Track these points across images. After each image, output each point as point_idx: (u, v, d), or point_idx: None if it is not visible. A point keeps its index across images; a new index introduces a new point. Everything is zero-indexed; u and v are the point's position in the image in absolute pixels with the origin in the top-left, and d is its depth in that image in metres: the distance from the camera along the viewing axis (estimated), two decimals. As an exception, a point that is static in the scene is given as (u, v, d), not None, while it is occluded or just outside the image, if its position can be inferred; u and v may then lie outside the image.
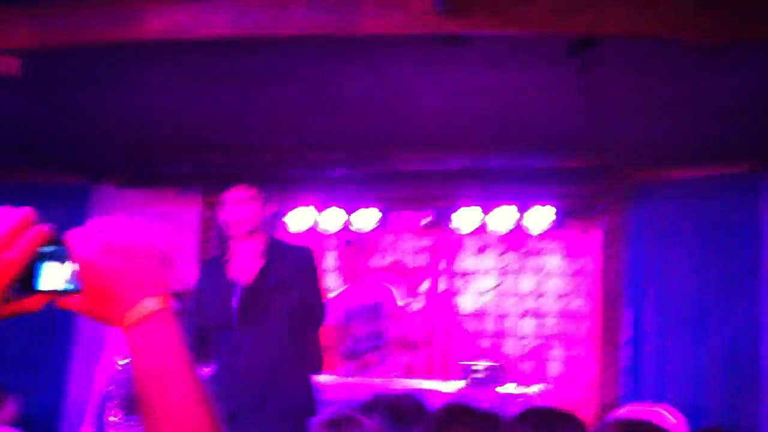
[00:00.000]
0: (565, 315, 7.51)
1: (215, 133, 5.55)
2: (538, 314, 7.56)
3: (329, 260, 7.42)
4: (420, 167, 5.96)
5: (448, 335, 7.62)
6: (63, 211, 6.78)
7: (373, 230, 7.08)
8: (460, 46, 3.35)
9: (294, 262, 3.54)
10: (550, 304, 7.56)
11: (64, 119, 5.20)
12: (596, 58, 3.50)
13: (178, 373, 1.07)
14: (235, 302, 3.45)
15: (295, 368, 3.48)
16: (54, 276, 1.01)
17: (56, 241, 1.01)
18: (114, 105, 4.92)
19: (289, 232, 6.89)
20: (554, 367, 7.44)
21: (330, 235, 7.24)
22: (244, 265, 3.47)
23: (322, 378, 5.90)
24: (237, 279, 3.46)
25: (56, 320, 6.64)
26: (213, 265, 3.74)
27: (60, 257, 1.00)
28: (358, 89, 4.41)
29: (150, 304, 1.05)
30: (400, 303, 6.48)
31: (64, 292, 1.01)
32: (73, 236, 1.03)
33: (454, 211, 6.83)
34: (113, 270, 1.05)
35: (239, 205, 3.51)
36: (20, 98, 4.63)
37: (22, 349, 6.71)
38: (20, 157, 6.16)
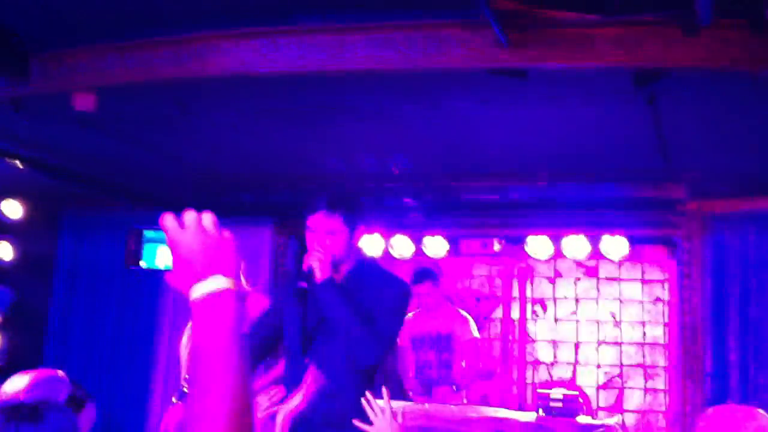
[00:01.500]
0: (644, 344, 7.29)
1: (283, 165, 5.62)
2: (615, 342, 7.37)
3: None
4: (488, 197, 5.90)
5: (522, 364, 7.50)
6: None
7: (444, 257, 7.05)
8: (524, 79, 3.29)
9: (375, 292, 3.18)
10: (628, 333, 7.36)
11: (137, 154, 5.35)
12: (663, 89, 3.40)
13: (225, 352, 1.21)
14: (305, 325, 3.21)
15: (351, 402, 3.15)
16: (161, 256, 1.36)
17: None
18: (180, 139, 5.04)
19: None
20: (633, 398, 7.23)
21: (401, 261, 7.23)
22: (320, 267, 3.14)
23: (397, 404, 5.88)
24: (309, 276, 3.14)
25: (140, 327, 6.84)
26: (292, 284, 3.29)
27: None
28: (418, 123, 4.39)
29: (217, 282, 1.28)
30: (474, 334, 6.40)
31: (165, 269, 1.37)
32: (166, 218, 1.35)
33: (526, 237, 6.74)
34: (192, 246, 1.31)
35: (320, 234, 3.17)
36: (91, 133, 4.79)
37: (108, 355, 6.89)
38: (98, 189, 6.37)
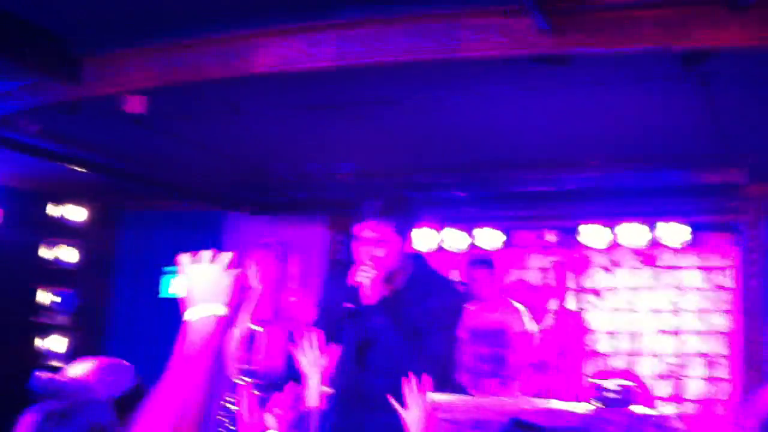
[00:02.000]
0: (704, 332, 7.13)
1: (331, 159, 5.65)
2: (675, 332, 7.22)
3: (454, 278, 7.40)
4: (540, 187, 5.84)
5: (578, 354, 7.40)
6: (199, 236, 7.17)
7: (498, 249, 7.00)
8: (566, 65, 3.25)
9: (429, 310, 2.96)
10: (688, 321, 7.20)
11: (187, 151, 5.45)
12: (713, 71, 3.31)
13: (199, 369, 1.62)
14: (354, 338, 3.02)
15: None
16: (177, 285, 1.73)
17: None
18: (234, 136, 5.11)
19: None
20: (693, 388, 7.07)
21: (456, 254, 7.21)
22: (369, 286, 2.92)
23: (446, 396, 5.87)
24: (356, 296, 2.95)
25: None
26: (342, 286, 3.08)
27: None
28: (464, 110, 4.36)
29: (208, 308, 1.69)
30: (528, 326, 6.35)
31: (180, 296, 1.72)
32: (182, 257, 1.78)
33: (581, 226, 6.65)
34: (197, 280, 1.73)
35: (370, 245, 2.94)
36: (147, 133, 4.88)
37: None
38: (157, 189, 6.51)
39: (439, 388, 2.93)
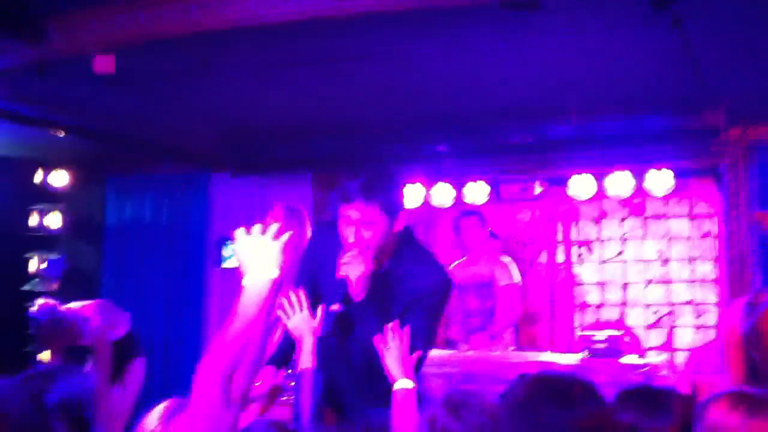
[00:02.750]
0: (694, 281, 7.15)
1: (315, 117, 5.61)
2: (664, 281, 7.24)
3: (442, 235, 7.40)
4: (524, 137, 5.79)
5: (568, 306, 7.43)
6: (185, 197, 7.17)
7: (485, 203, 6.98)
8: (537, 9, 3.20)
9: (414, 290, 2.91)
10: (676, 270, 7.21)
11: (167, 112, 5.41)
12: (686, 12, 3.26)
13: (254, 327, 1.90)
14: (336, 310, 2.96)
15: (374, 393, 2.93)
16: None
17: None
18: (212, 95, 5.06)
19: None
20: (684, 336, 7.11)
21: (443, 209, 7.19)
22: (357, 280, 2.85)
23: (438, 352, 5.90)
24: (345, 288, 2.88)
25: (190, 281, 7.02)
26: (329, 244, 3.01)
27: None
28: (442, 62, 4.32)
29: (262, 273, 1.95)
30: (516, 279, 6.35)
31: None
32: (237, 230, 2.05)
33: (568, 178, 6.61)
34: (250, 249, 2.00)
35: (357, 226, 2.84)
36: (124, 94, 4.84)
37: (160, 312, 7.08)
38: (141, 151, 6.48)
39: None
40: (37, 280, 6.96)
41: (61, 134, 5.79)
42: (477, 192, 6.89)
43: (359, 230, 2.82)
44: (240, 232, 2.04)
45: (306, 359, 2.88)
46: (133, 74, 4.43)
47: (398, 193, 2.98)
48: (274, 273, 1.97)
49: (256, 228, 2.04)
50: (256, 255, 1.97)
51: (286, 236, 2.04)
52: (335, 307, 2.88)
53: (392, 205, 2.88)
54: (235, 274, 2.03)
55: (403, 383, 2.71)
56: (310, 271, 3.19)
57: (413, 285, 2.90)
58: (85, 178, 7.26)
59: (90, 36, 3.56)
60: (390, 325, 2.79)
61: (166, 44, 3.83)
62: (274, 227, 2.04)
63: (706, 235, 7.06)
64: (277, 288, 1.98)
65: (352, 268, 2.81)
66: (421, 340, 2.88)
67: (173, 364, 6.83)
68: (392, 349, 2.75)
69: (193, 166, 7.00)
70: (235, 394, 1.89)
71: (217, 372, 1.84)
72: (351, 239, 2.84)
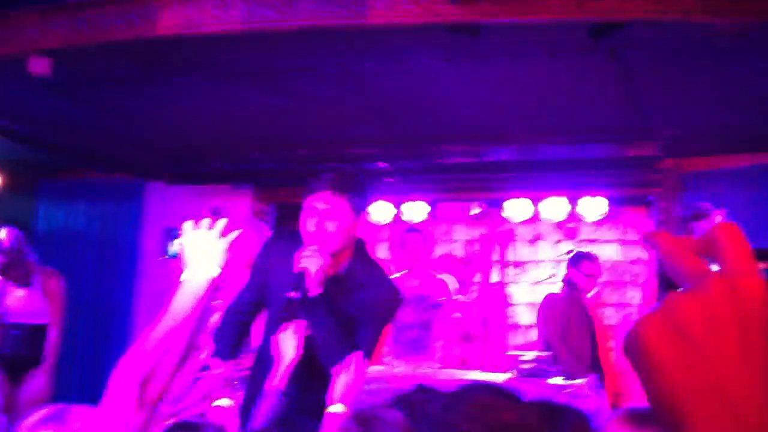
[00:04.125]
0: (622, 305, 7.29)
1: (256, 129, 5.57)
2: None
3: (381, 251, 7.41)
4: (465, 159, 5.85)
5: (500, 327, 7.50)
6: (120, 206, 7.03)
7: (424, 221, 7.02)
8: (477, 36, 3.24)
9: (366, 299, 2.90)
10: (606, 295, 7.35)
11: (105, 119, 5.32)
12: (625, 44, 3.34)
13: (185, 324, 1.83)
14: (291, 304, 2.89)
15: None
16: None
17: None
18: (152, 104, 4.99)
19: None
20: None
21: (381, 226, 7.21)
22: (315, 274, 2.81)
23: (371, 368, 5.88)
24: (301, 283, 2.83)
25: (118, 290, 6.92)
26: (284, 249, 2.98)
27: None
28: (383, 82, 4.34)
29: (203, 269, 1.90)
30: (453, 297, 6.39)
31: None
32: (185, 224, 2.01)
33: (505, 200, 6.71)
34: (195, 244, 1.96)
35: (322, 217, 2.81)
36: (61, 100, 4.74)
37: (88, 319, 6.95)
38: (75, 158, 6.34)
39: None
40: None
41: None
42: (416, 210, 6.95)
43: (323, 221, 2.79)
44: (188, 225, 2.01)
45: (278, 379, 2.85)
46: (70, 79, 4.34)
47: (366, 194, 2.96)
48: (215, 271, 1.93)
49: (205, 222, 2.01)
50: (200, 250, 1.95)
51: (233, 234, 2.01)
52: (292, 294, 2.78)
53: (359, 203, 2.87)
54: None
55: (338, 407, 2.71)
56: (260, 277, 3.16)
57: (367, 295, 2.90)
58: (16, 181, 7.07)
59: (27, 39, 3.47)
60: (354, 355, 2.73)
61: (106, 50, 3.76)
62: (222, 223, 2.02)
63: (635, 262, 7.21)
64: (215, 287, 1.94)
65: (311, 262, 2.76)
66: (365, 350, 2.86)
67: (101, 375, 6.66)
68: (347, 376, 2.71)
69: (129, 173, 6.88)
70: (152, 395, 1.76)
71: (135, 370, 1.76)
72: (312, 229, 2.81)
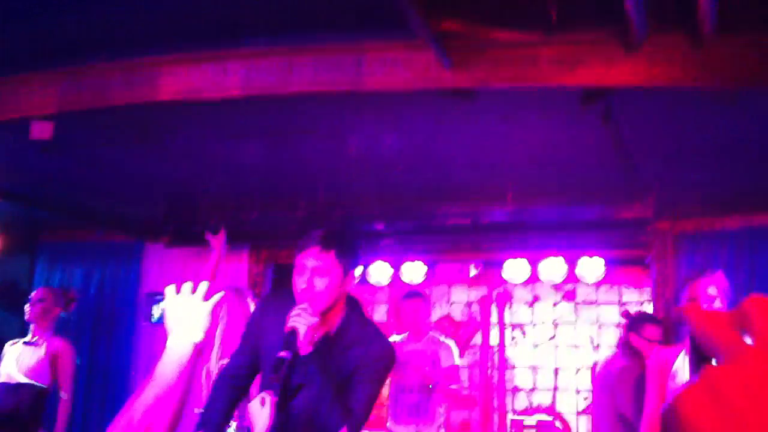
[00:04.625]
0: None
1: (253, 190, 5.62)
2: (594, 367, 7.32)
3: (379, 313, 7.41)
4: (461, 220, 5.89)
5: (501, 390, 7.44)
6: (118, 268, 7.04)
7: (422, 282, 7.02)
8: (471, 100, 3.30)
9: (360, 357, 2.90)
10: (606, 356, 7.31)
11: (103, 178, 5.36)
12: (614, 108, 3.41)
13: (172, 391, 1.79)
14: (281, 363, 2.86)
15: None
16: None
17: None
18: (152, 165, 5.05)
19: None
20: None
21: (379, 288, 7.21)
22: (305, 333, 2.79)
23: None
24: (292, 343, 2.81)
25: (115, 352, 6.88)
26: (278, 310, 2.96)
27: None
28: (382, 142, 4.40)
29: (186, 335, 1.87)
30: (457, 361, 6.34)
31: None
32: (168, 287, 1.97)
33: (503, 261, 6.72)
34: (178, 309, 1.92)
35: (311, 274, 2.82)
36: (59, 160, 4.80)
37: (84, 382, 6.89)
38: (73, 216, 6.38)
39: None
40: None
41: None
42: (414, 271, 6.96)
43: (312, 278, 2.80)
44: (170, 290, 1.97)
45: None
46: (69, 140, 4.40)
47: (356, 248, 2.97)
48: (199, 336, 1.89)
49: (187, 286, 1.97)
50: (183, 315, 1.91)
51: (216, 297, 1.95)
52: (283, 354, 2.74)
53: (348, 257, 2.87)
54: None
55: None
56: (252, 341, 3.16)
57: (360, 351, 2.89)
58: (15, 241, 7.09)
59: (29, 103, 3.54)
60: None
61: (105, 112, 3.82)
62: (204, 286, 1.97)
63: (635, 323, 7.19)
64: (199, 353, 1.90)
65: (300, 321, 2.74)
66: (362, 406, 2.85)
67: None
68: None
69: (127, 235, 6.91)
70: None
71: None
72: (303, 286, 2.81)
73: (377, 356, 2.92)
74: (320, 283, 2.80)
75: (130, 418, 1.75)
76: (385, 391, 6.27)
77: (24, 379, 5.39)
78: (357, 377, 2.87)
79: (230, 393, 3.17)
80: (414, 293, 6.27)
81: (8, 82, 3.60)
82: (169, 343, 1.88)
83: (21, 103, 3.60)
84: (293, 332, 2.74)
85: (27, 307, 5.59)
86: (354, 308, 3.02)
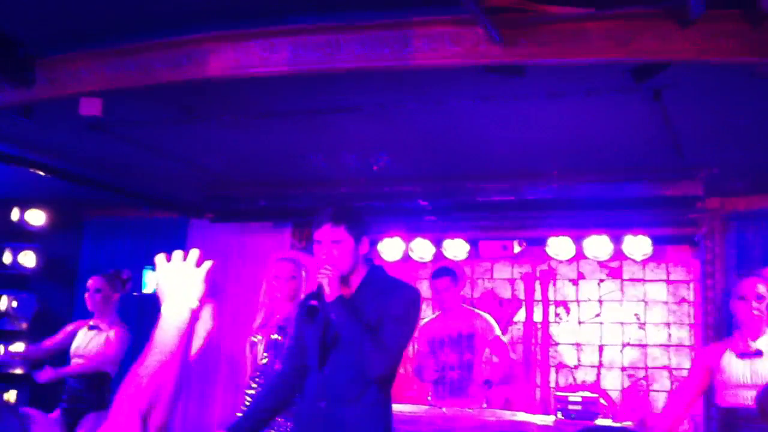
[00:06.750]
0: (669, 346, 7.17)
1: (297, 167, 5.62)
2: (640, 345, 7.25)
3: (422, 288, 7.39)
4: (504, 198, 5.82)
5: (545, 367, 7.41)
6: (164, 243, 7.11)
7: (465, 260, 6.99)
8: (522, 76, 3.25)
9: (385, 301, 3.22)
10: (653, 334, 7.23)
11: (149, 159, 5.41)
12: (665, 84, 3.33)
13: (172, 357, 1.87)
14: (322, 340, 3.30)
15: (366, 409, 3.21)
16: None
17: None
18: (196, 143, 5.08)
19: (383, 261, 6.88)
20: (659, 401, 7.09)
21: (422, 264, 7.20)
22: (330, 285, 3.21)
23: (413, 408, 5.84)
24: (320, 294, 3.24)
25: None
26: (309, 306, 3.34)
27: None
28: (426, 119, 4.36)
29: (181, 302, 1.92)
30: (497, 333, 6.30)
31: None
32: (158, 257, 2.00)
33: (547, 239, 6.65)
34: (171, 277, 1.96)
35: (327, 246, 3.25)
36: (105, 139, 4.85)
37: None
38: (119, 195, 6.45)
39: (387, 380, 3.23)
40: (6, 318, 6.85)
41: (41, 174, 5.76)
42: (456, 249, 6.92)
43: (330, 249, 3.24)
44: (161, 259, 2.01)
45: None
46: (115, 120, 4.44)
47: (362, 221, 3.36)
48: (194, 302, 1.94)
49: (178, 255, 2.01)
50: (178, 283, 1.95)
51: (207, 264, 2.00)
52: (313, 302, 3.23)
53: (357, 230, 3.29)
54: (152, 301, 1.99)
55: None
56: (298, 331, 3.52)
57: (384, 298, 3.24)
58: (62, 219, 7.21)
59: (77, 81, 3.56)
60: None
61: (150, 91, 3.85)
62: (195, 254, 2.01)
63: (682, 301, 7.10)
64: (195, 318, 1.95)
65: (325, 276, 3.19)
66: (394, 344, 3.17)
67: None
68: None
69: (171, 212, 6.97)
70: (155, 425, 1.83)
71: (134, 406, 1.80)
72: (323, 257, 3.25)
73: (401, 297, 3.27)
74: (335, 253, 3.23)
75: (138, 384, 1.83)
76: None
77: (89, 363, 5.55)
78: (386, 319, 3.18)
79: (280, 394, 3.49)
80: (443, 270, 6.23)
81: (57, 61, 3.62)
82: (164, 310, 1.94)
83: (70, 81, 3.63)
84: (320, 286, 3.19)
85: (86, 296, 5.72)
86: (376, 270, 3.40)
